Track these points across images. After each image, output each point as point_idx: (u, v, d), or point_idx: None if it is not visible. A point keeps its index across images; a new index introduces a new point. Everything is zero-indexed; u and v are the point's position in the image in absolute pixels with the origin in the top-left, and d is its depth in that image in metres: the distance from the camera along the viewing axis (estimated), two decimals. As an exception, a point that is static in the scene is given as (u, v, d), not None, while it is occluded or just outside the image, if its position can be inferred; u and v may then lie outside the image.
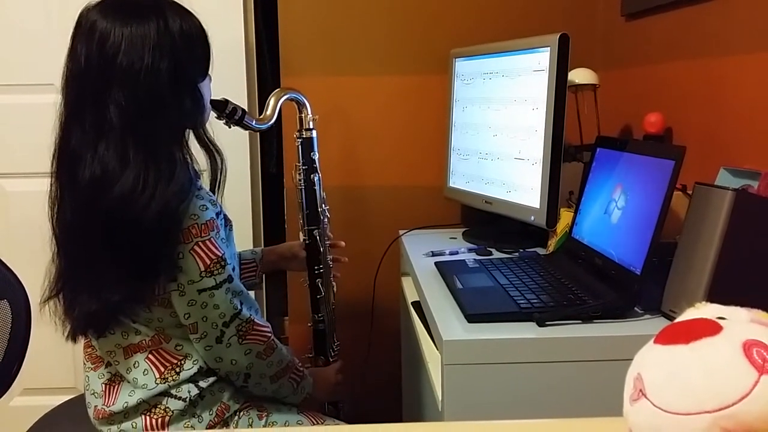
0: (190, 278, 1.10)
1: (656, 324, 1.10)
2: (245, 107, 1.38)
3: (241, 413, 1.22)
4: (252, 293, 1.39)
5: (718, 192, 1.03)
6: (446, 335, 1.09)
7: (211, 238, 1.11)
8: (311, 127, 1.49)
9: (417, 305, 1.49)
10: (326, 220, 1.52)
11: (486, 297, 1.21)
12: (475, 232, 1.77)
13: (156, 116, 1.08)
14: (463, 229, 1.82)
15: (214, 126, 1.27)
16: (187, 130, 1.17)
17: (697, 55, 1.42)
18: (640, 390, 0.58)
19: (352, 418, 1.43)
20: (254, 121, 1.38)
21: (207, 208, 1.11)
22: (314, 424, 1.28)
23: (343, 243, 1.60)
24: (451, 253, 1.57)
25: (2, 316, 1.34)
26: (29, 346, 1.36)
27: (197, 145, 1.23)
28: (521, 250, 1.57)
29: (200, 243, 1.10)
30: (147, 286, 1.11)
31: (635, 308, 1.14)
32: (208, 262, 1.11)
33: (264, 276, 1.60)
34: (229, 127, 1.34)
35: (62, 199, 1.12)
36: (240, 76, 1.92)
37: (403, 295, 1.74)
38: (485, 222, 1.79)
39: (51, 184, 1.13)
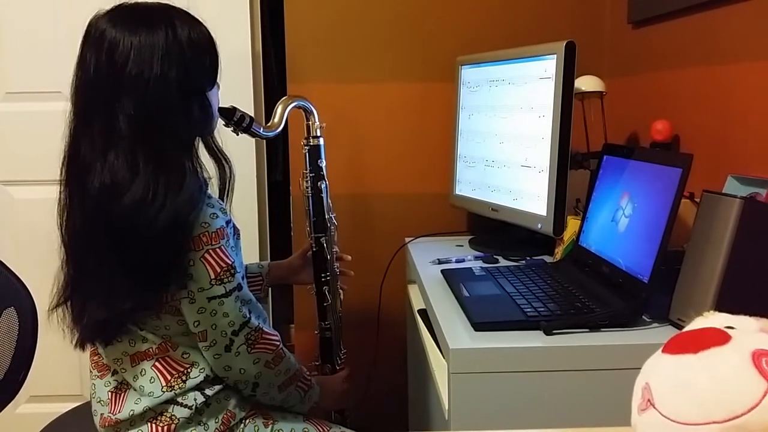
0: (200, 286, 1.11)
1: (664, 333, 1.09)
2: (252, 115, 1.39)
3: (247, 421, 1.21)
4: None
5: (726, 200, 1.03)
6: (453, 343, 1.08)
7: (222, 246, 1.11)
8: (319, 134, 1.49)
9: (423, 313, 1.48)
10: (333, 227, 1.52)
11: (493, 305, 1.20)
12: (482, 239, 1.76)
13: (165, 125, 1.08)
14: (470, 237, 1.82)
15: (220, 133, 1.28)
16: (197, 138, 1.17)
17: (705, 63, 1.42)
18: (648, 400, 0.57)
19: (358, 427, 1.43)
20: (262, 129, 1.38)
21: (218, 216, 1.11)
22: (320, 432, 1.28)
23: (349, 257, 1.58)
24: (458, 261, 1.57)
25: (9, 323, 1.34)
26: (36, 353, 1.36)
27: (205, 153, 1.23)
28: (528, 258, 1.56)
29: (211, 251, 1.10)
30: (157, 294, 1.11)
31: (643, 317, 1.14)
32: (219, 270, 1.11)
33: (269, 289, 1.60)
34: (237, 135, 1.34)
35: (72, 208, 1.12)
36: (246, 84, 1.93)
37: (410, 303, 1.74)
38: (492, 230, 1.79)
39: (60, 192, 1.13)
